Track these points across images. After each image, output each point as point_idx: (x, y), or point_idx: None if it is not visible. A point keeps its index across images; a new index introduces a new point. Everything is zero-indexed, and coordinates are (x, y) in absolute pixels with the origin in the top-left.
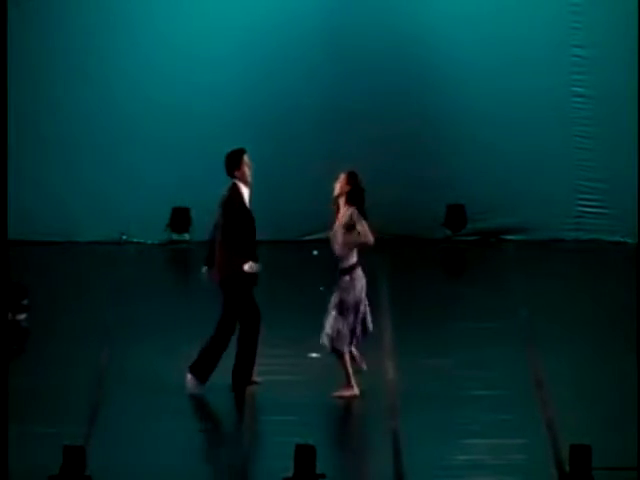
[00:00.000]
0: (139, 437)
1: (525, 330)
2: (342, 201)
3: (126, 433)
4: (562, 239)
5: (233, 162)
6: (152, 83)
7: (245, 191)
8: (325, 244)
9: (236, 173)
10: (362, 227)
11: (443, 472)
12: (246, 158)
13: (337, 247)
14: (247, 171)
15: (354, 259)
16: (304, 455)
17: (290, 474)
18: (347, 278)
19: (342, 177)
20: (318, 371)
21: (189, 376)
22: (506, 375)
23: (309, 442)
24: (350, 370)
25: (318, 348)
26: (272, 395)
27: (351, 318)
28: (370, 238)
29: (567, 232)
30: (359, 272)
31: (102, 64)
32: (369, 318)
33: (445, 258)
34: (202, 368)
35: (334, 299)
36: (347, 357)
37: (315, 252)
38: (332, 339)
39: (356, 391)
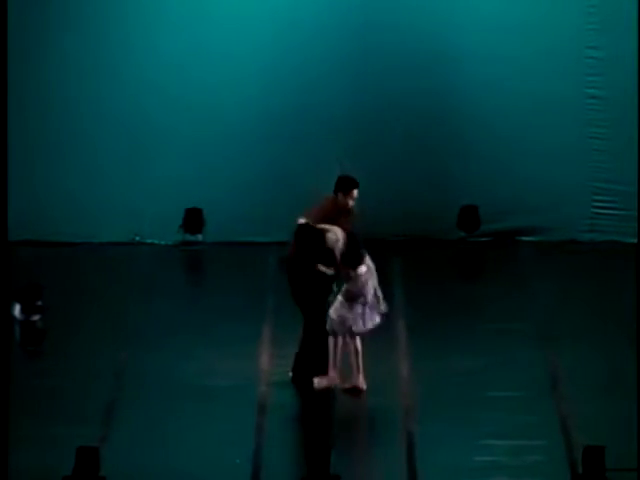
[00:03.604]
0: (154, 438)
1: (542, 331)
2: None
3: (141, 434)
4: (577, 240)
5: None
6: (166, 85)
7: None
8: None
9: (339, 195)
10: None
11: (460, 473)
12: (355, 193)
13: None
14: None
15: None
16: (317, 456)
17: (304, 475)
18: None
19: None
20: None
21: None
22: (523, 376)
23: (322, 443)
24: (333, 357)
25: None
26: (287, 395)
27: (358, 308)
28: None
29: (582, 234)
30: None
31: (116, 64)
32: (380, 304)
33: (459, 260)
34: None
35: (342, 288)
36: (338, 344)
37: None
38: (332, 322)
39: (336, 380)
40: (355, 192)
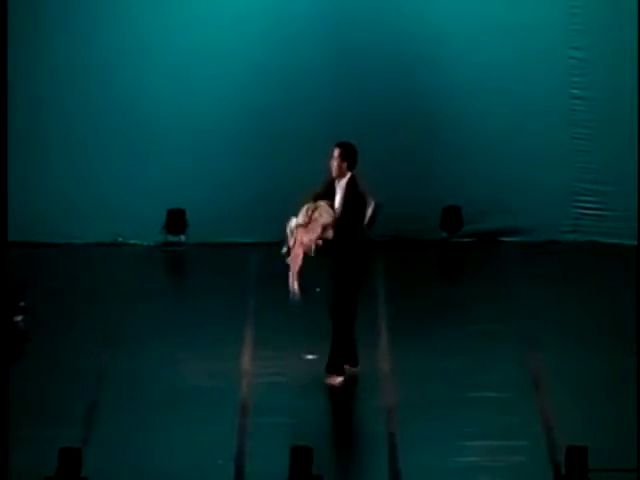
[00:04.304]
0: (136, 439)
1: (524, 331)
2: None
3: (124, 435)
4: (559, 241)
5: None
6: (150, 87)
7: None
8: None
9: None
10: None
11: (442, 473)
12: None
13: None
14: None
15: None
16: (300, 457)
17: (287, 476)
18: None
19: None
20: (315, 372)
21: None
22: (505, 377)
23: (306, 444)
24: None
25: (314, 350)
26: (269, 397)
27: None
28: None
29: (564, 234)
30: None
31: (105, 66)
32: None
33: (442, 260)
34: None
35: None
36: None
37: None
38: None
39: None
40: (334, 150)
